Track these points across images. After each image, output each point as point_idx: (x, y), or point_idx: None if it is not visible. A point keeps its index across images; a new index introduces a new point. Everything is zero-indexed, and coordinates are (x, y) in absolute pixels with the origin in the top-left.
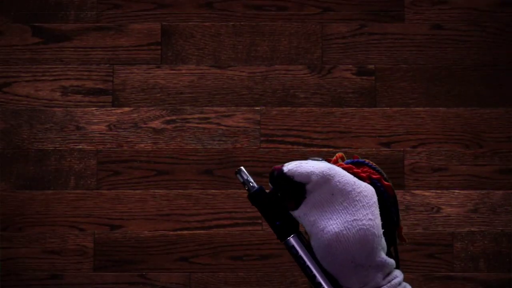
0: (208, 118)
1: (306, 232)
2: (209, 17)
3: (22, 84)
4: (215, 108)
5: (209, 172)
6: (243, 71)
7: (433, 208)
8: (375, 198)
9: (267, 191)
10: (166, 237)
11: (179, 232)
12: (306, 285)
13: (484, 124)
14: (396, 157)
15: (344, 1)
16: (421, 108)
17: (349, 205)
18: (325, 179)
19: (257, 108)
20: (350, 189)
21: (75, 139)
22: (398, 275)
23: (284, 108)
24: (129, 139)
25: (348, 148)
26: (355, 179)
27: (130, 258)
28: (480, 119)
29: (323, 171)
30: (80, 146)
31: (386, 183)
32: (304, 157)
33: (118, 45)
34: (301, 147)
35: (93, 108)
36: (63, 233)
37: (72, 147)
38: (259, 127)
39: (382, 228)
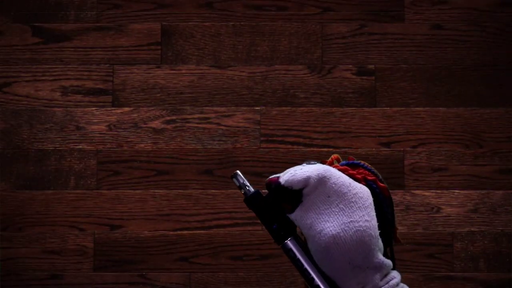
0: (208, 118)
1: (301, 234)
2: (209, 17)
3: (22, 84)
4: (215, 108)
5: (209, 172)
6: (243, 71)
7: (433, 208)
8: (370, 199)
9: (263, 191)
10: (166, 237)
11: (179, 232)
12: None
13: (484, 124)
14: (396, 157)
15: (344, 1)
16: (421, 108)
17: (345, 206)
18: (321, 181)
19: (257, 108)
20: (345, 190)
21: (75, 139)
22: (395, 276)
23: (284, 108)
24: (129, 139)
25: (348, 148)
26: (351, 180)
27: (130, 258)
28: (480, 119)
29: (319, 173)
30: (80, 146)
31: (381, 184)
32: (304, 158)
33: (118, 45)
34: (301, 147)
35: (93, 108)
36: (63, 233)
37: (72, 147)
38: (259, 127)
39: (378, 229)
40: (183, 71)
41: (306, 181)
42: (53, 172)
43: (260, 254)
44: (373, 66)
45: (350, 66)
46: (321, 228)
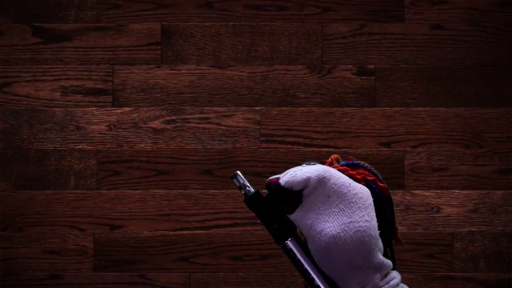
0: (208, 118)
1: (301, 233)
2: (209, 17)
3: (22, 84)
4: (215, 108)
5: (209, 172)
6: (243, 71)
7: (433, 208)
8: (370, 200)
9: (263, 191)
10: (166, 237)
11: (179, 232)
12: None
13: (484, 124)
14: (396, 157)
15: (344, 1)
16: (421, 108)
17: (345, 207)
18: (321, 182)
19: (257, 108)
20: (345, 191)
21: (75, 139)
22: (396, 276)
23: (284, 108)
24: (129, 139)
25: (348, 148)
26: (351, 180)
27: (130, 258)
28: (480, 119)
29: (319, 174)
30: (80, 146)
31: (381, 184)
32: (304, 157)
33: (118, 45)
34: (301, 147)
35: (93, 108)
36: (63, 233)
37: (72, 147)
38: (259, 127)
39: (378, 229)
40: (183, 71)
41: (306, 182)
42: (53, 172)
43: (260, 254)
44: (373, 66)
45: (350, 66)
46: (321, 228)
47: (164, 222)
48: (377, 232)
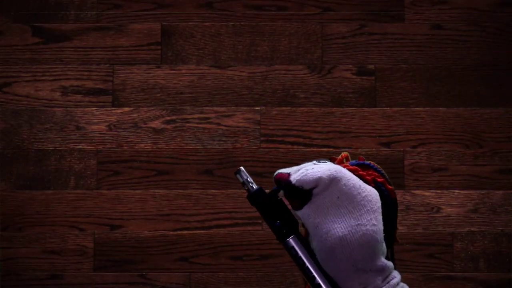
0: (208, 118)
1: (303, 226)
2: (209, 17)
3: (22, 84)
4: (215, 108)
5: (209, 172)
6: (243, 71)
7: (433, 208)
8: (379, 203)
9: (266, 191)
10: (166, 237)
11: (179, 232)
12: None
13: (484, 124)
14: (396, 157)
15: (344, 1)
16: (421, 108)
17: (354, 209)
18: (332, 182)
19: (257, 108)
20: (355, 193)
21: (75, 139)
22: (396, 275)
23: (284, 108)
24: (129, 139)
25: (348, 148)
26: (361, 182)
27: (130, 258)
28: (480, 119)
29: (331, 173)
30: (80, 146)
31: (389, 187)
32: (304, 158)
33: (118, 45)
34: (301, 147)
35: (93, 108)
36: (63, 233)
37: (72, 147)
38: (259, 127)
39: (383, 232)
40: (183, 71)
41: (317, 181)
42: (53, 172)
43: (260, 254)
44: (373, 66)
45: (350, 66)
46: (328, 228)
47: (164, 222)
48: (382, 236)
